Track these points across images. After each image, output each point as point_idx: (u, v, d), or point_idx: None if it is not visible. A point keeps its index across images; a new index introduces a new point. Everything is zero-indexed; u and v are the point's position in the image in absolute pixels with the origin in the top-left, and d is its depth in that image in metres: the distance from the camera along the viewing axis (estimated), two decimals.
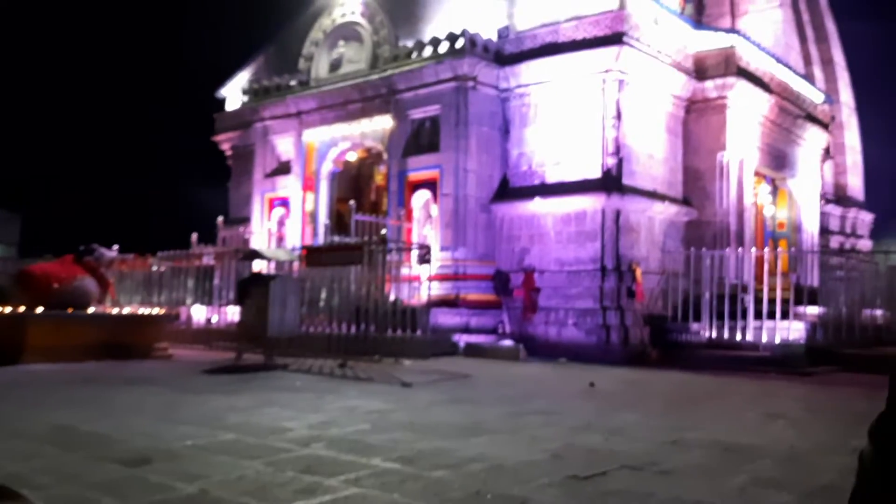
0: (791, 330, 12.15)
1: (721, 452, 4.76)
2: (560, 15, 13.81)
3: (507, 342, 12.48)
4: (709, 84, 14.61)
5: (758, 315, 11.91)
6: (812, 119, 17.69)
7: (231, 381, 8.43)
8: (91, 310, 10.85)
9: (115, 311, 11.74)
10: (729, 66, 14.48)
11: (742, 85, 14.53)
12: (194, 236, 14.07)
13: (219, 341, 12.23)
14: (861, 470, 1.51)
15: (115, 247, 12.39)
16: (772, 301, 11.84)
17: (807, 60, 20.59)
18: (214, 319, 13.42)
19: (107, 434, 4.84)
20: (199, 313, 13.71)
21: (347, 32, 15.72)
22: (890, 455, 1.43)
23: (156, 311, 12.49)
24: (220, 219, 15.85)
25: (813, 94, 18.07)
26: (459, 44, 13.76)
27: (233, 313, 12.52)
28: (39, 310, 10.07)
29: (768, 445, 5.01)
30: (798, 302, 13.08)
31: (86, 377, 8.20)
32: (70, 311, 10.39)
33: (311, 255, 11.71)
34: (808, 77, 18.97)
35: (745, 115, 15.04)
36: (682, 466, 4.29)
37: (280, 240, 16.34)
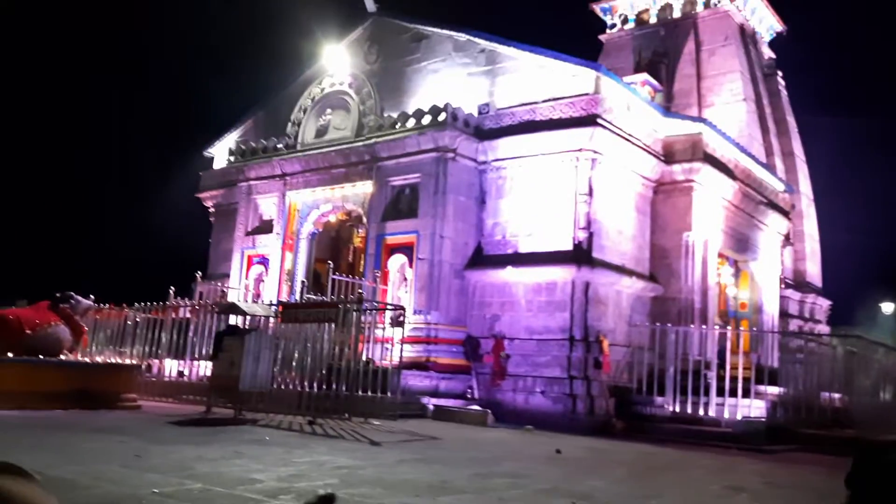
0: (752, 408, 12.46)
1: None
2: (538, 95, 14.59)
3: (476, 407, 12.62)
4: (676, 167, 15.38)
5: (720, 392, 12.25)
6: (773, 206, 18.57)
7: (200, 432, 8.46)
8: (62, 357, 10.81)
9: (85, 359, 11.69)
10: (696, 151, 15.30)
11: (707, 170, 15.32)
12: (172, 290, 14.16)
13: (189, 394, 12.19)
14: None
15: (91, 296, 12.42)
16: (733, 379, 12.20)
17: (768, 151, 21.73)
18: (186, 373, 13.39)
19: (73, 480, 4.78)
20: (171, 366, 13.66)
21: (335, 101, 16.36)
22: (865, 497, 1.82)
23: (127, 361, 12.46)
24: (199, 274, 15.96)
25: (774, 183, 19.02)
26: (441, 117, 14.41)
27: (205, 367, 12.52)
28: (9, 355, 10.03)
29: None
30: (759, 381, 13.47)
31: (53, 424, 8.16)
32: (40, 357, 10.36)
33: (287, 311, 11.87)
34: (770, 167, 19.99)
35: (710, 198, 15.79)
36: None
37: (257, 296, 16.47)
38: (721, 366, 12.27)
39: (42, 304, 11.12)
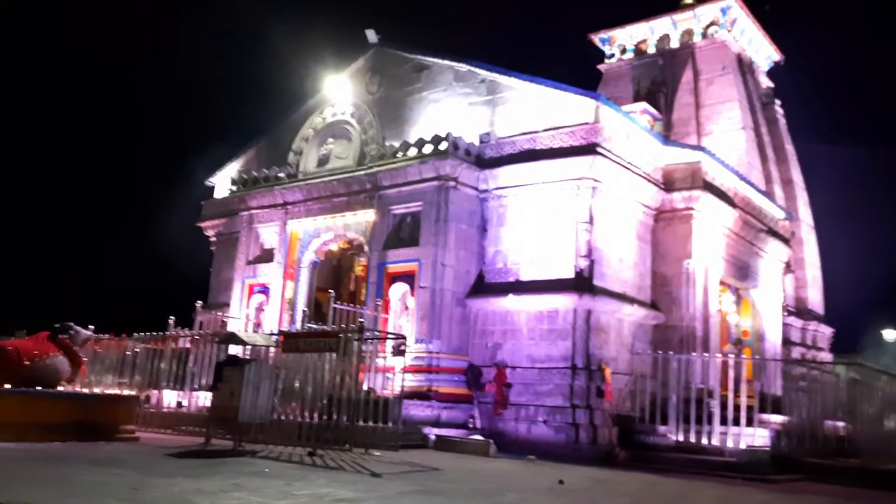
0: (756, 437, 12.36)
1: None
2: (538, 125, 14.71)
3: (478, 437, 12.50)
4: (676, 196, 15.44)
5: (723, 420, 12.15)
6: (773, 233, 18.60)
7: (199, 465, 8.38)
8: (60, 388, 10.74)
9: (84, 390, 11.61)
10: (695, 179, 15.38)
11: (707, 198, 15.38)
12: (171, 320, 14.12)
13: (188, 425, 12.09)
14: None
15: (91, 326, 12.37)
16: (737, 407, 12.11)
17: (768, 179, 21.82)
18: (185, 404, 13.29)
19: None
20: (170, 397, 13.57)
21: (337, 131, 16.50)
22: None
23: (126, 392, 12.37)
24: (199, 303, 15.93)
25: (774, 211, 19.07)
26: (443, 146, 14.52)
27: (204, 398, 12.43)
28: (7, 386, 9.97)
29: None
30: (762, 409, 13.35)
31: (50, 456, 8.09)
32: (38, 388, 10.29)
33: (288, 340, 11.82)
34: (770, 195, 20.06)
35: (711, 226, 15.83)
36: None
37: (257, 326, 16.43)
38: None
39: (41, 334, 11.07)
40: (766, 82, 24.68)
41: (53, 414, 9.95)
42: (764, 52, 24.64)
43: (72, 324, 11.28)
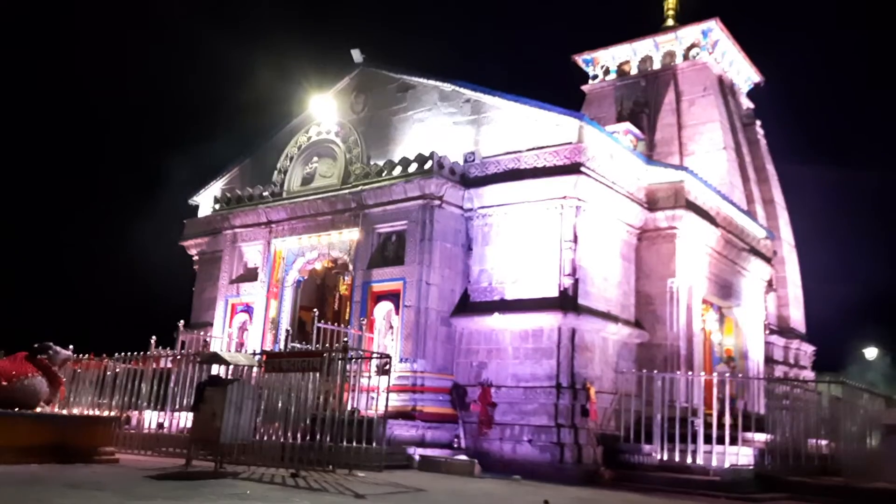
0: (740, 455, 12.37)
1: None
2: (522, 144, 14.81)
3: (463, 457, 12.42)
4: (659, 215, 15.57)
5: (707, 439, 12.16)
6: (756, 252, 18.78)
7: (179, 487, 8.26)
8: (38, 409, 10.57)
9: (63, 411, 11.44)
10: (678, 199, 15.52)
11: (690, 217, 15.52)
12: (153, 339, 13.96)
13: (169, 447, 11.92)
14: None
15: (71, 346, 12.20)
16: (720, 426, 12.13)
17: (749, 199, 22.09)
18: (166, 425, 13.11)
19: None
20: (150, 418, 13.38)
21: (322, 149, 16.51)
22: None
23: (105, 413, 12.20)
24: (181, 322, 15.77)
25: (756, 230, 19.28)
26: (428, 165, 14.56)
27: (185, 419, 12.28)
28: None
29: None
30: (745, 428, 13.40)
31: (27, 480, 7.95)
32: (16, 410, 10.12)
33: (271, 360, 11.72)
34: (751, 214, 20.28)
35: (694, 245, 15.96)
36: None
37: (240, 345, 16.28)
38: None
39: (19, 354, 10.89)
40: (746, 103, 25.07)
41: (31, 436, 9.78)
42: (744, 74, 25.05)
43: (51, 344, 11.12)
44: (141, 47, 34.08)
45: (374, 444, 10.99)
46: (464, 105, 16.06)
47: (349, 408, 11.68)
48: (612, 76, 24.36)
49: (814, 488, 11.35)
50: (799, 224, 24.00)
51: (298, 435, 10.77)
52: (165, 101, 33.40)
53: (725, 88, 23.45)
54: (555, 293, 13.69)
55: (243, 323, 16.72)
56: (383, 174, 15.14)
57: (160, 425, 13.22)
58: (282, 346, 14.17)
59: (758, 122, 24.17)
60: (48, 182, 32.21)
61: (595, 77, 24.75)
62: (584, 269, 14.01)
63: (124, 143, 34.91)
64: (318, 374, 10.97)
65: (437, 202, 14.49)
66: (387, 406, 11.47)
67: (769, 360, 19.89)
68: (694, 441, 12.21)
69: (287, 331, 14.35)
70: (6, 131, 30.57)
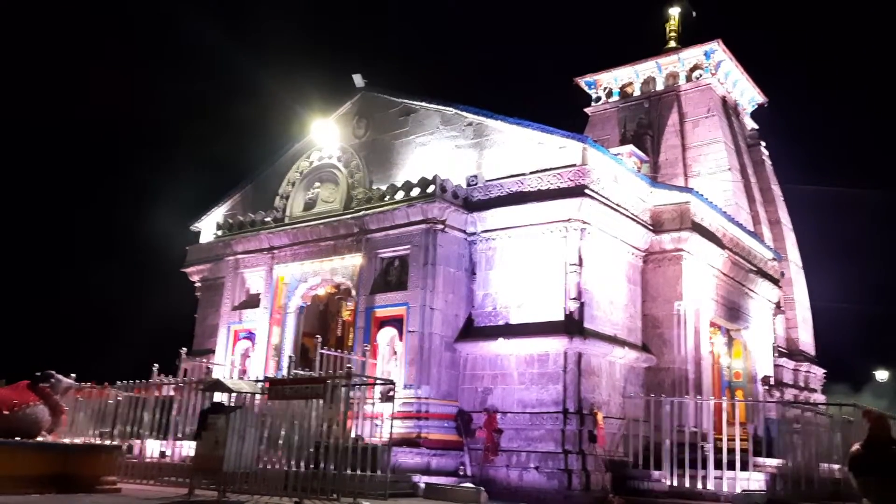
0: (751, 480, 12.15)
1: None
2: (526, 167, 14.77)
3: (468, 485, 12.21)
4: (665, 237, 15.47)
5: (717, 464, 11.94)
6: (763, 274, 18.62)
7: None
8: (39, 438, 10.45)
9: (64, 440, 11.31)
10: (684, 220, 15.43)
11: (696, 239, 15.42)
12: (155, 367, 13.86)
13: (171, 476, 11.77)
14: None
15: (73, 375, 12.11)
16: (730, 451, 11.92)
17: (755, 220, 21.97)
18: (168, 453, 12.95)
19: None
20: (153, 446, 13.23)
21: (324, 174, 16.51)
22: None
23: (107, 442, 12.05)
24: (184, 350, 15.67)
25: (763, 251, 19.14)
26: (430, 189, 14.52)
27: (188, 447, 12.12)
28: None
29: None
30: (756, 453, 13.19)
31: None
32: (17, 439, 10.01)
33: (274, 387, 11.59)
34: (758, 235, 20.16)
35: (700, 267, 15.83)
36: None
37: (243, 372, 16.16)
38: (717, 437, 12.00)
39: (21, 383, 10.81)
40: (750, 124, 25.07)
41: (32, 466, 9.69)
42: (748, 95, 25.08)
43: (53, 372, 11.04)
44: (141, 75, 34.40)
45: (378, 472, 10.83)
46: (466, 128, 16.07)
47: (353, 435, 11.52)
48: (615, 98, 24.41)
49: None
50: (806, 245, 23.85)
51: (302, 463, 10.62)
52: (169, 126, 33.61)
53: (729, 109, 23.46)
54: (560, 317, 13.55)
55: (246, 350, 16.60)
56: (386, 198, 15.11)
57: (163, 454, 13.07)
58: (285, 372, 14.05)
59: (762, 143, 24.13)
60: (49, 208, 32.36)
61: (598, 99, 24.81)
62: (590, 292, 13.89)
63: (125, 168, 35.11)
64: (321, 401, 10.84)
65: (439, 226, 14.43)
66: (391, 433, 11.31)
67: (779, 383, 19.62)
68: (704, 466, 12.00)
69: (290, 357, 14.24)
70: (8, 159, 30.79)
